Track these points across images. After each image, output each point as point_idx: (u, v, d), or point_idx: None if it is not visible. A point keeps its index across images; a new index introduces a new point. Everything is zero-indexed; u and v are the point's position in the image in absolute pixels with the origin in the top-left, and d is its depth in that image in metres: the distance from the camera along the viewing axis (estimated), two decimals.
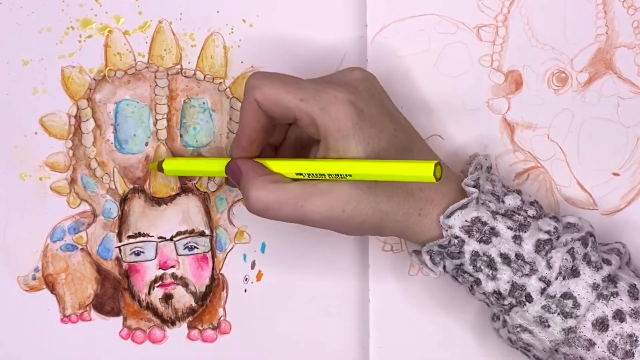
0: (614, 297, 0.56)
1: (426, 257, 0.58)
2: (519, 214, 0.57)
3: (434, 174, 0.50)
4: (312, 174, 0.54)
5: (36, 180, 0.62)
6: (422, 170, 0.51)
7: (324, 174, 0.54)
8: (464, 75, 0.63)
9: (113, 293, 0.63)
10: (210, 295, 0.64)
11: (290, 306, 0.64)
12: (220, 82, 0.63)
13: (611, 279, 0.57)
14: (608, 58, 0.64)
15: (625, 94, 0.64)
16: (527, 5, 0.63)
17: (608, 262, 0.57)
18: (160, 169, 0.61)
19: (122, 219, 0.63)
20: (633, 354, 0.56)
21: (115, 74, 0.63)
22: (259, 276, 0.64)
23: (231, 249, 0.64)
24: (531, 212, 0.58)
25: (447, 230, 0.56)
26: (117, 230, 0.63)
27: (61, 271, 0.63)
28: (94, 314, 0.63)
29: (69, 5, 0.62)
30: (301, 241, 0.63)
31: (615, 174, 0.65)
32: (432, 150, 0.59)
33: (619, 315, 0.56)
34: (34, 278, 0.63)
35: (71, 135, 0.62)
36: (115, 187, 0.63)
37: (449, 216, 0.56)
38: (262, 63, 0.63)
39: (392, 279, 0.64)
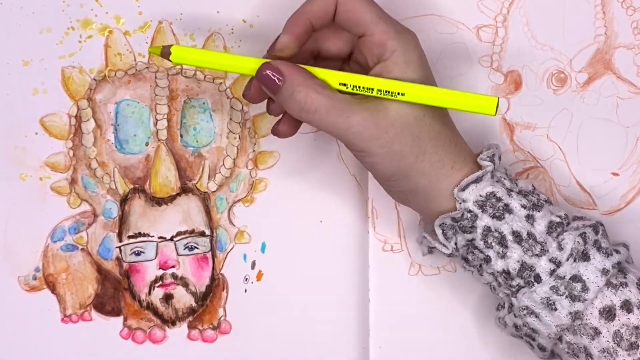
0: (622, 288, 0.56)
1: (438, 231, 0.58)
2: (533, 196, 0.58)
3: (496, 109, 0.54)
4: (360, 87, 0.55)
5: (37, 181, 0.62)
6: (486, 102, 0.54)
7: (372, 89, 0.54)
8: (464, 75, 0.64)
9: (113, 293, 0.63)
10: (210, 295, 0.64)
11: (290, 306, 0.64)
12: (221, 83, 0.63)
13: (621, 269, 0.57)
14: (607, 58, 0.64)
15: (625, 94, 0.64)
16: (527, 6, 0.63)
17: (617, 252, 0.57)
18: (165, 55, 0.56)
19: (123, 219, 0.63)
20: (638, 345, 0.56)
21: (115, 74, 0.63)
22: (259, 276, 0.64)
23: (231, 249, 0.64)
24: (543, 197, 0.58)
25: (460, 204, 0.56)
26: (117, 230, 0.63)
27: (62, 271, 0.63)
28: (94, 313, 0.63)
29: (69, 6, 0.62)
30: (301, 241, 0.64)
31: (615, 174, 0.65)
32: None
33: (627, 306, 0.56)
34: (34, 278, 0.63)
35: (71, 135, 0.63)
36: (116, 187, 0.63)
37: (463, 189, 0.56)
38: None
39: (392, 279, 0.64)
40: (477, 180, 0.56)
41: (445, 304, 0.64)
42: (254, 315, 0.64)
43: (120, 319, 0.63)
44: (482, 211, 0.56)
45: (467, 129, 0.64)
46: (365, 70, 0.57)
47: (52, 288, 0.63)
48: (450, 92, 0.55)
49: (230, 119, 0.63)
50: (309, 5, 0.56)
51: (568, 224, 0.57)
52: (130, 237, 0.63)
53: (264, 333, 0.64)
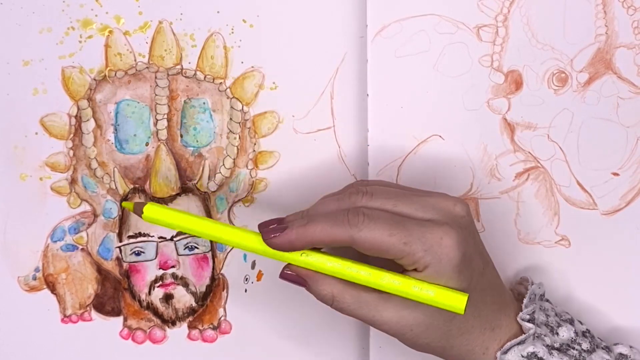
0: None
1: None
2: (574, 348, 0.58)
3: (465, 309, 0.53)
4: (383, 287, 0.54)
5: (36, 181, 0.62)
6: (454, 301, 0.53)
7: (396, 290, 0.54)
8: (464, 75, 0.64)
9: (113, 293, 0.63)
10: (210, 295, 0.64)
11: (290, 306, 0.64)
12: (221, 83, 0.63)
13: None
14: (608, 58, 0.64)
15: (625, 94, 0.64)
16: (527, 5, 0.63)
17: None
18: (138, 212, 0.57)
19: (123, 219, 0.63)
20: None
21: (115, 74, 0.63)
22: (259, 276, 0.64)
23: (231, 249, 0.64)
24: (585, 345, 0.58)
25: None
26: (117, 230, 0.63)
27: (61, 271, 0.63)
28: (94, 314, 0.63)
29: (69, 6, 0.62)
30: None
31: (615, 174, 0.65)
32: (507, 288, 0.59)
33: None
34: (34, 278, 0.63)
35: (72, 135, 0.62)
36: (116, 187, 0.63)
37: (505, 352, 0.56)
38: (262, 63, 0.63)
39: None
40: (520, 342, 0.56)
41: None
42: (254, 315, 0.64)
43: (120, 319, 0.63)
44: None
45: (467, 129, 0.64)
46: None
47: (52, 288, 0.63)
48: (429, 286, 0.53)
49: (230, 119, 0.63)
50: (319, 232, 0.53)
51: None
52: (130, 237, 0.63)
53: (264, 333, 0.64)
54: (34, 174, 0.62)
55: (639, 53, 0.64)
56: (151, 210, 0.56)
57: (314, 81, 0.63)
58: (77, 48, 0.62)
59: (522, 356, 0.56)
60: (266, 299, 0.64)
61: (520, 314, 0.57)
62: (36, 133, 0.62)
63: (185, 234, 0.63)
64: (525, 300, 0.59)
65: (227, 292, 0.64)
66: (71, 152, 0.63)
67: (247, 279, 0.64)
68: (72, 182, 0.63)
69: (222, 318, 0.64)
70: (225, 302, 0.64)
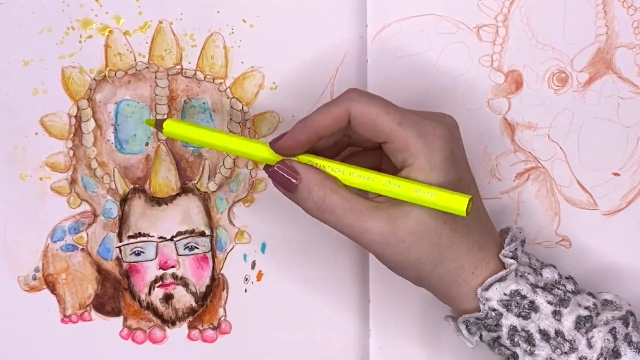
0: None
1: (462, 327, 0.57)
2: (559, 288, 0.56)
3: (467, 210, 0.53)
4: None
5: (36, 181, 0.62)
6: (456, 203, 0.52)
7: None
8: (464, 75, 0.64)
9: (113, 293, 0.63)
10: (210, 296, 0.64)
11: (291, 306, 0.64)
12: (221, 83, 0.63)
13: None
14: (608, 58, 0.64)
15: (625, 94, 0.64)
16: (527, 5, 0.63)
17: None
18: (159, 128, 0.57)
19: (123, 219, 0.63)
20: None
21: (115, 74, 0.63)
22: (259, 276, 0.64)
23: (231, 249, 0.64)
24: (570, 286, 0.57)
25: (484, 304, 0.55)
26: (117, 231, 0.63)
27: (61, 271, 0.63)
28: (94, 314, 0.63)
29: (69, 6, 0.62)
30: (301, 241, 0.63)
31: (616, 174, 0.65)
32: (489, 215, 0.59)
33: None
34: (34, 278, 0.63)
35: (71, 135, 0.63)
36: (116, 187, 0.63)
37: (486, 289, 0.55)
38: (263, 63, 0.63)
39: (392, 279, 0.64)
40: (501, 279, 0.55)
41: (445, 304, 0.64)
42: (254, 315, 0.64)
43: (120, 319, 0.63)
44: (507, 310, 0.55)
45: (467, 129, 0.64)
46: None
47: (52, 288, 0.63)
48: (430, 189, 0.53)
49: (230, 119, 0.63)
50: (318, 116, 0.54)
51: (597, 314, 0.56)
52: (130, 237, 0.63)
53: (264, 333, 0.64)
54: (34, 174, 0.62)
55: (639, 53, 0.64)
56: (171, 125, 0.57)
57: (314, 81, 0.63)
58: (77, 48, 0.62)
59: (505, 294, 0.55)
60: (266, 299, 0.64)
61: (503, 251, 0.56)
62: (36, 133, 0.62)
63: (185, 233, 0.63)
64: (507, 239, 0.57)
65: (227, 292, 0.64)
66: (71, 152, 0.63)
67: (247, 279, 0.64)
68: (72, 182, 0.63)
69: (222, 318, 0.64)
70: (225, 302, 0.64)
